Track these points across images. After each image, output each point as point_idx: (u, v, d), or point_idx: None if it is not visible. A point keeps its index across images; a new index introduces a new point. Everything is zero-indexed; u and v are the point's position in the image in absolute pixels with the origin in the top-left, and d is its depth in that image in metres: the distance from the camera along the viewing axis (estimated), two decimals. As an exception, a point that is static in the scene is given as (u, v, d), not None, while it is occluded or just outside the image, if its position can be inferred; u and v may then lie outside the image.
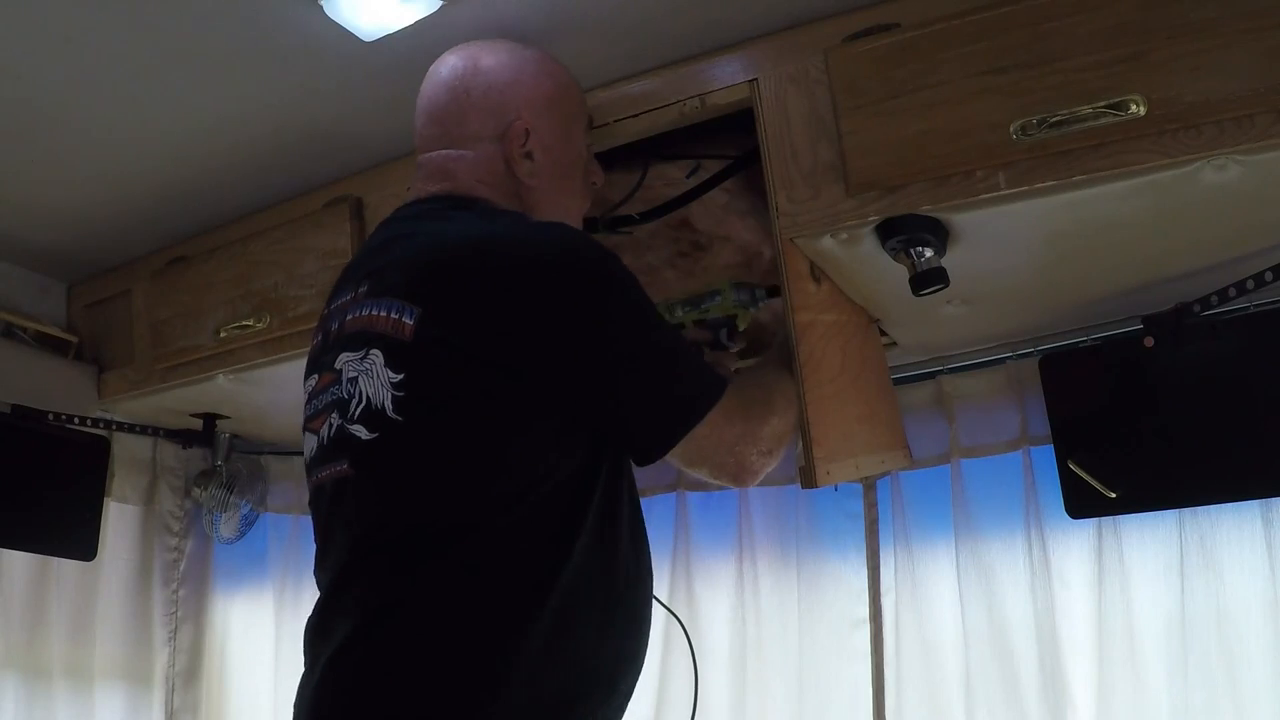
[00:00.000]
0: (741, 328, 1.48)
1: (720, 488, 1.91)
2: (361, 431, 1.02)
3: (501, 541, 0.97)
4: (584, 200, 1.27)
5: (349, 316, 1.08)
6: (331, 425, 1.06)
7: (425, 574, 0.97)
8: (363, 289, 1.08)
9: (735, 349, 1.49)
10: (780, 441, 1.15)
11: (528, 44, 1.25)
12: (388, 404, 1.00)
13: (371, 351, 1.03)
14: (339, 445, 1.05)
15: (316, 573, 1.11)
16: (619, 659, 1.04)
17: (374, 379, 1.02)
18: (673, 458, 1.06)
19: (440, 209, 1.14)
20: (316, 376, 1.13)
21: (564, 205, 1.21)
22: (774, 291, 1.47)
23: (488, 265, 1.01)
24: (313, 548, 1.13)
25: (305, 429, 1.14)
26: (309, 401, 1.14)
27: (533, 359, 0.98)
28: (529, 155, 1.17)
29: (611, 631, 1.03)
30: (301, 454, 1.15)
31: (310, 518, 1.14)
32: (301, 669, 1.05)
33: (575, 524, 1.00)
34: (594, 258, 1.03)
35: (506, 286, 0.99)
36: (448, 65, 1.21)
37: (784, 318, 1.27)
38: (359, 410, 1.03)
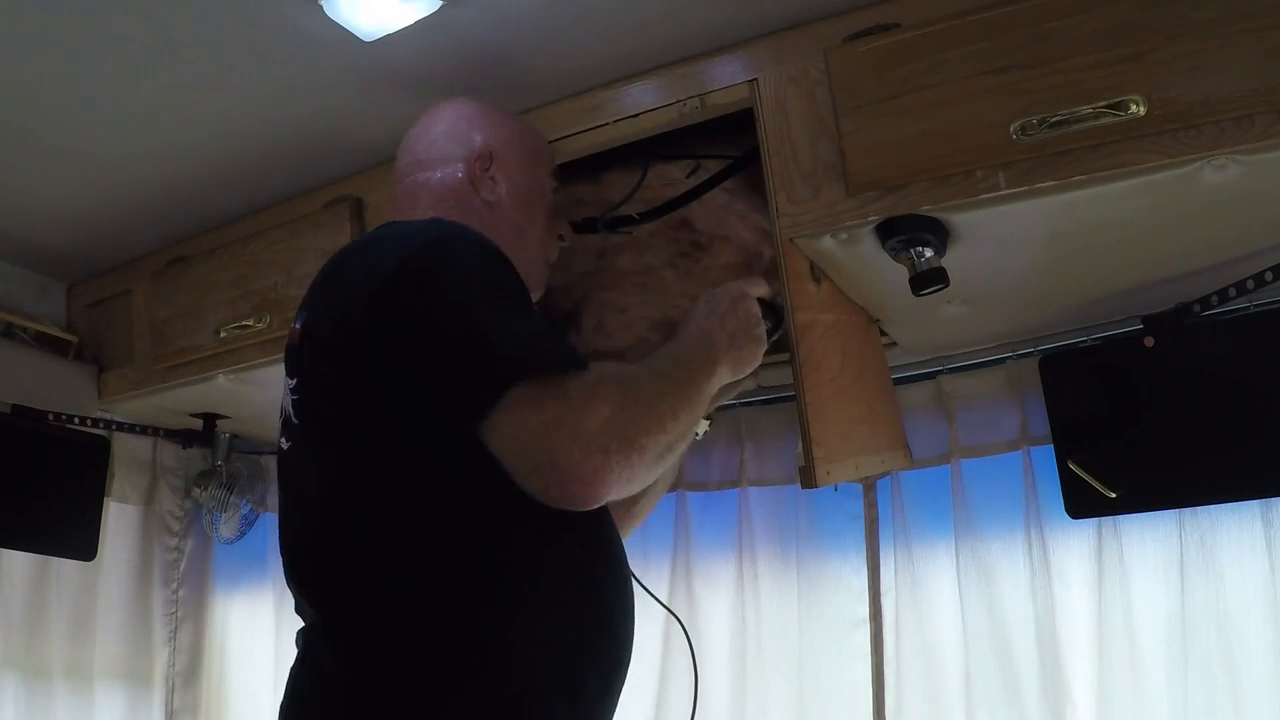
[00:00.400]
0: None
1: (719, 486, 1.90)
2: (284, 442, 1.08)
3: (427, 543, 0.95)
4: (548, 241, 1.27)
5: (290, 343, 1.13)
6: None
7: (359, 588, 0.97)
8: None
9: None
10: (623, 441, 0.89)
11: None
12: (291, 409, 1.05)
13: (286, 365, 1.09)
14: (278, 462, 1.11)
15: None
16: (583, 652, 1.00)
17: (285, 389, 1.08)
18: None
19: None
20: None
21: (524, 235, 1.22)
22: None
23: (349, 262, 1.06)
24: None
25: None
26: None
27: (368, 346, 0.96)
28: (492, 178, 1.21)
29: (571, 624, 0.99)
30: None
31: None
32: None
33: (503, 519, 0.96)
34: (431, 238, 1.01)
35: (352, 278, 1.01)
36: (425, 111, 1.27)
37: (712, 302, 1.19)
38: (282, 423, 1.09)
